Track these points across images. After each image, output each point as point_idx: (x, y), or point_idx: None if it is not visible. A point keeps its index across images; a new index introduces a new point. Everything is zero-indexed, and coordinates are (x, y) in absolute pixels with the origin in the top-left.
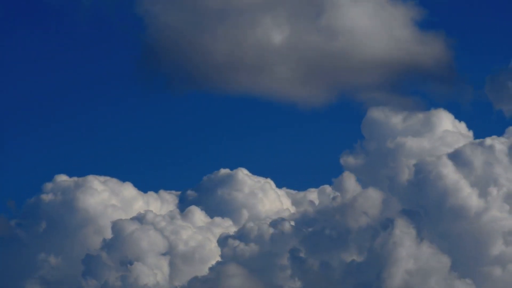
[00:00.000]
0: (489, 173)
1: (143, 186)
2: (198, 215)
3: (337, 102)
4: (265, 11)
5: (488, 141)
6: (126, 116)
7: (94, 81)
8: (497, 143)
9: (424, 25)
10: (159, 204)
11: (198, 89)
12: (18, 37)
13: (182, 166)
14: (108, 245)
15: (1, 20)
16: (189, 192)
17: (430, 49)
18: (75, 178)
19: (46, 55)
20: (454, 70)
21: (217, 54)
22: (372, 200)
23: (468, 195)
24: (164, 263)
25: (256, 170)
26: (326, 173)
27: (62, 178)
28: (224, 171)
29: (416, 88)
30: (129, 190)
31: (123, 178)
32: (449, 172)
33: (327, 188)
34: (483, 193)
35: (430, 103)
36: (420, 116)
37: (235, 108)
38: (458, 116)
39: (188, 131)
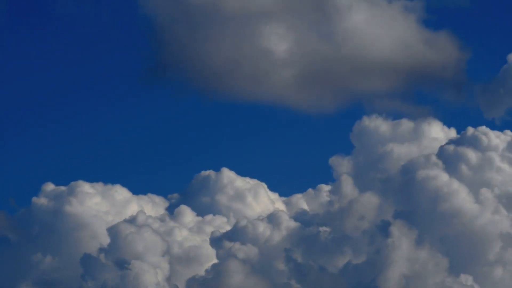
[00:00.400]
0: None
1: (134, 189)
2: (190, 215)
3: (340, 108)
4: (269, 18)
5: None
6: (118, 119)
7: (80, 86)
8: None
9: (433, 28)
10: (150, 206)
11: (200, 95)
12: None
13: (175, 167)
14: (105, 250)
15: (6, 21)
16: (180, 194)
17: (440, 53)
18: (62, 187)
19: (37, 58)
20: (465, 75)
21: (220, 60)
22: (366, 203)
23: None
24: (162, 264)
25: (250, 174)
26: (320, 177)
27: (50, 187)
28: (218, 173)
29: (424, 94)
30: (120, 193)
31: (110, 182)
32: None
33: (319, 191)
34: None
35: (441, 110)
36: (410, 124)
37: (233, 113)
38: (448, 123)
39: (184, 133)
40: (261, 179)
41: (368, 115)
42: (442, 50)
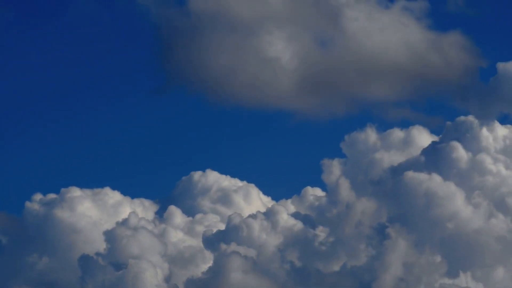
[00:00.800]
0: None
1: (128, 191)
2: (180, 217)
3: (343, 115)
4: (273, 27)
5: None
6: (117, 122)
7: (73, 90)
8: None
9: (440, 31)
10: (141, 209)
11: (202, 101)
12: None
13: (169, 168)
14: (102, 255)
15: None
16: (170, 196)
17: (449, 58)
18: (52, 195)
19: (33, 58)
20: (477, 80)
21: (222, 68)
22: (363, 207)
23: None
24: (160, 265)
25: (246, 177)
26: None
27: (39, 196)
28: (215, 175)
29: (429, 99)
30: (111, 197)
31: (100, 186)
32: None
33: (315, 193)
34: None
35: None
36: (400, 133)
37: (232, 119)
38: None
39: (181, 136)
40: (255, 182)
41: (362, 127)
42: (449, 54)
